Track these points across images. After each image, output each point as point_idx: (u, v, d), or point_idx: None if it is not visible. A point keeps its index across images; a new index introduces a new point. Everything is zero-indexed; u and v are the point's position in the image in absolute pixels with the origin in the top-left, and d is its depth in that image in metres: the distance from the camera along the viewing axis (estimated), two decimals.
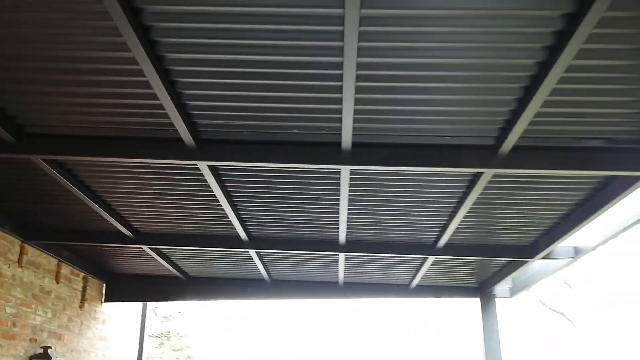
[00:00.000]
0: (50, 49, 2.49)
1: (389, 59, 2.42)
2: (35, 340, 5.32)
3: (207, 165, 3.31)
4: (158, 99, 2.70)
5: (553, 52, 2.26)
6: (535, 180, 3.46)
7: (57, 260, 5.73)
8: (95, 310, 6.57)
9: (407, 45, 2.34)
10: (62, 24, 2.32)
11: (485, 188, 3.53)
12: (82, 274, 6.29)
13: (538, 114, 2.68)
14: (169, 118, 2.84)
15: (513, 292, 6.48)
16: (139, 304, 7.77)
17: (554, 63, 2.25)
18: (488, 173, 3.20)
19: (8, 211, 4.77)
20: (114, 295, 6.89)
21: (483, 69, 2.46)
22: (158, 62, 2.46)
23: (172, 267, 6.15)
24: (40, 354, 5.27)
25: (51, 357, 5.28)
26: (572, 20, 2.08)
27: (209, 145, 3.18)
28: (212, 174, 3.47)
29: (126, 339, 7.40)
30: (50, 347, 5.36)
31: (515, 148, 2.98)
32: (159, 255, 5.68)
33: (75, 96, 2.84)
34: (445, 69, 2.48)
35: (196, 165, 3.32)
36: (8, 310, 4.91)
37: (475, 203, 3.79)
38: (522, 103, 2.60)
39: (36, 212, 4.75)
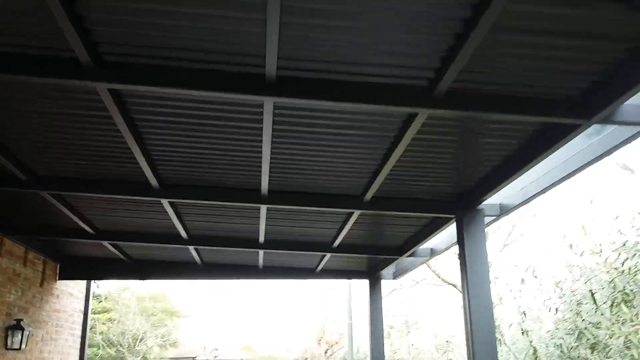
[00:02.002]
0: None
1: None
2: (9, 314, 6.62)
3: (108, 89, 2.96)
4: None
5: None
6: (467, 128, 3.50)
7: (25, 248, 6.99)
8: (51, 287, 7.87)
9: None
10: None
11: (418, 133, 3.41)
12: (42, 258, 7.55)
13: (472, 57, 2.61)
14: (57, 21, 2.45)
15: (395, 275, 8.41)
16: (84, 282, 9.09)
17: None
18: (422, 114, 3.10)
19: None
20: (65, 274, 8.19)
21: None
22: None
23: (82, 222, 5.83)
24: (14, 325, 6.58)
25: (24, 328, 6.60)
26: None
27: (112, 68, 2.85)
28: (115, 103, 3.12)
29: (75, 309, 8.74)
30: (22, 320, 6.67)
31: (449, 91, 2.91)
32: (64, 205, 5.29)
33: None
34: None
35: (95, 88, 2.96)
36: None
37: (403, 153, 3.76)
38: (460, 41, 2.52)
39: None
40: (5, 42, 2.78)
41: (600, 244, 6.67)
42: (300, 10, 2.41)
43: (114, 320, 29.17)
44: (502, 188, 4.25)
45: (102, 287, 22.77)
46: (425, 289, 19.39)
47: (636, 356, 5.66)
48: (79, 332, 8.86)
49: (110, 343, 28.91)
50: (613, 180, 12.65)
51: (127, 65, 2.88)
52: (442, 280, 16.08)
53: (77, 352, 8.73)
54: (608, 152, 3.43)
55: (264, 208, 5.12)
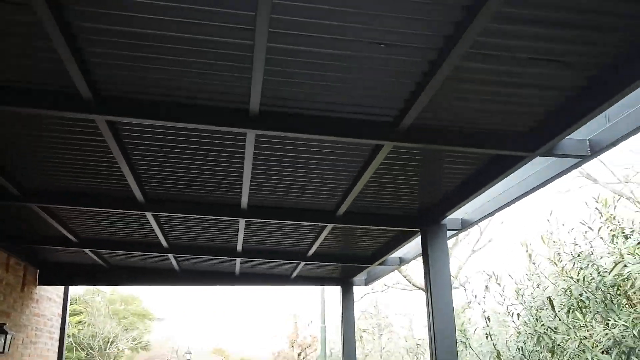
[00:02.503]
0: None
1: (302, 19, 2.46)
2: None
3: (105, 120, 3.27)
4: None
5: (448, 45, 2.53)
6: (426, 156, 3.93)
7: (7, 254, 7.21)
8: (31, 292, 8.07)
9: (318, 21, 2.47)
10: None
11: (385, 159, 3.80)
12: (22, 264, 7.76)
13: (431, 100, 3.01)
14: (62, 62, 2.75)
15: (367, 281, 8.83)
16: (62, 287, 9.29)
17: (448, 55, 2.54)
18: (388, 145, 3.47)
19: None
20: (45, 279, 8.40)
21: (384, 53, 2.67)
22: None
23: (67, 231, 6.11)
24: None
25: (7, 332, 6.83)
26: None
27: (108, 102, 3.17)
28: (110, 131, 3.46)
29: (53, 313, 8.94)
30: (4, 324, 6.90)
31: (412, 126, 3.29)
32: (51, 216, 5.57)
33: None
34: (350, 47, 2.64)
35: (94, 121, 3.34)
36: None
37: (373, 175, 4.13)
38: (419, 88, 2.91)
39: None
40: (12, 79, 3.09)
41: (558, 254, 7.18)
42: (282, 61, 2.78)
43: (85, 323, 29.15)
44: (462, 206, 4.69)
45: (73, 289, 22.80)
46: (396, 293, 19.94)
47: (590, 358, 6.15)
48: (57, 336, 9.07)
49: (81, 346, 28.87)
50: (574, 190, 13.31)
51: (122, 99, 3.21)
52: (413, 285, 16.60)
53: (55, 356, 8.94)
54: (552, 179, 3.90)
55: (242, 221, 5.48)
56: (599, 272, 6.40)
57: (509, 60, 2.73)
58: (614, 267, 5.76)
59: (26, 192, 4.88)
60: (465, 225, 5.37)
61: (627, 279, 5.77)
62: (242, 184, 4.46)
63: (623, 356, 5.91)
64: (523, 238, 8.12)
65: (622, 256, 5.62)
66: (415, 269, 16.49)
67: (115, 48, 2.75)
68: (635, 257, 5.45)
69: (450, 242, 11.17)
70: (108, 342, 30.15)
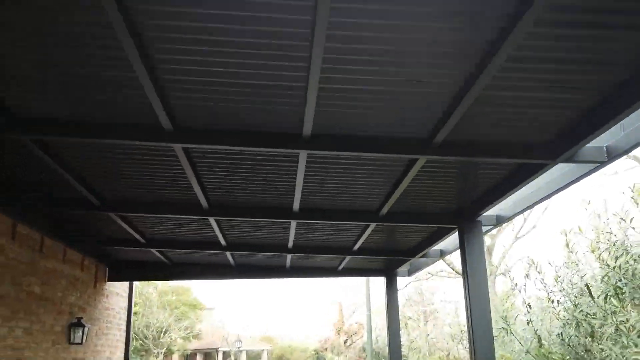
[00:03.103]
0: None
1: (351, 56, 2.89)
2: (72, 313, 7.67)
3: (182, 148, 3.93)
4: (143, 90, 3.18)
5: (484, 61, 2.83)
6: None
7: (82, 255, 8.03)
8: (102, 288, 8.92)
9: (371, 56, 2.90)
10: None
11: (422, 167, 4.32)
12: (95, 262, 8.59)
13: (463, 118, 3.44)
14: (148, 98, 3.27)
15: (410, 272, 9.32)
16: (127, 282, 10.15)
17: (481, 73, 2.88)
18: (422, 159, 4.03)
19: (66, 227, 6.99)
20: (114, 276, 9.23)
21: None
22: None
23: (137, 233, 6.86)
24: (75, 322, 7.63)
25: (84, 325, 7.66)
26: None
27: (185, 132, 3.76)
28: (185, 154, 4.12)
29: (121, 307, 9.80)
30: (82, 317, 7.72)
31: (444, 142, 3.75)
32: (126, 223, 6.35)
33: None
34: (392, 84, 3.13)
35: (172, 149, 3.99)
36: (58, 294, 7.24)
37: (412, 180, 4.63)
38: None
39: (74, 227, 7.01)
40: (102, 116, 3.72)
41: (596, 242, 7.49)
42: (330, 96, 3.31)
43: (139, 314, 30.52)
44: (496, 205, 5.14)
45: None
46: (440, 281, 20.32)
47: (626, 342, 6.49)
48: (124, 327, 9.93)
49: (136, 335, 30.32)
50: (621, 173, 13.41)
51: (197, 130, 3.81)
52: (456, 272, 16.96)
53: (123, 345, 9.81)
54: (575, 181, 4.33)
55: (294, 222, 6.07)
56: (635, 260, 6.70)
57: (531, 85, 3.19)
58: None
59: (106, 202, 5.58)
60: (500, 220, 5.81)
61: None
62: (295, 190, 5.03)
63: None
64: (564, 226, 8.41)
65: None
66: (458, 258, 16.83)
67: (192, 90, 3.33)
68: None
69: (495, 230, 11.46)
70: (161, 331, 31.50)
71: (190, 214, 5.70)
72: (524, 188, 4.92)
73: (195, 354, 44.91)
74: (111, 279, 9.20)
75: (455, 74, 3.07)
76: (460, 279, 18.48)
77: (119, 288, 9.70)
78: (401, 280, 9.28)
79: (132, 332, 10.02)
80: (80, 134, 3.76)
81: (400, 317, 9.15)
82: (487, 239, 16.60)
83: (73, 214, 6.25)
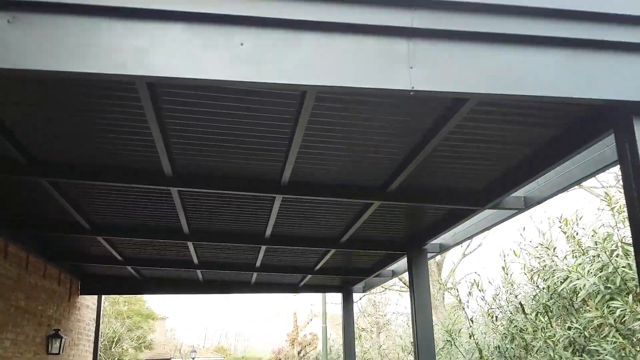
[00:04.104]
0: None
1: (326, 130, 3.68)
2: (49, 325, 8.24)
3: (178, 190, 4.77)
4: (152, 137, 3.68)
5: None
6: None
7: (58, 270, 8.61)
8: (75, 301, 9.49)
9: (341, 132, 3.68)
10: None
11: (378, 208, 5.24)
12: (69, 277, 9.17)
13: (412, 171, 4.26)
14: (156, 150, 3.88)
15: (365, 289, 10.25)
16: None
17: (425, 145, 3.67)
18: (376, 203, 5.01)
19: (42, 239, 7.58)
20: (85, 290, 9.81)
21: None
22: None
23: (117, 253, 7.53)
24: (53, 333, 8.21)
25: (62, 336, 8.24)
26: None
27: (183, 177, 4.57)
28: (179, 197, 5.01)
29: (90, 319, 10.36)
30: (59, 329, 8.30)
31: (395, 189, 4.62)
32: (109, 244, 7.06)
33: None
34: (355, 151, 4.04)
35: (169, 190, 4.80)
36: (39, 307, 7.81)
37: (369, 217, 5.58)
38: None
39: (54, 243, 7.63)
40: (114, 161, 4.48)
41: (529, 265, 8.57)
42: (307, 156, 4.18)
43: None
44: (439, 236, 6.11)
45: None
46: (393, 295, 21.38)
47: (552, 355, 7.54)
48: (92, 338, 10.49)
49: None
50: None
51: (193, 175, 4.61)
52: (407, 286, 18.06)
53: (91, 355, 10.37)
54: (499, 223, 5.35)
55: (264, 247, 6.90)
56: (560, 282, 7.80)
57: (467, 154, 4.13)
58: (564, 281, 7.17)
59: (95, 226, 6.28)
60: (443, 249, 6.80)
61: (575, 291, 7.18)
62: (268, 222, 5.87)
63: (577, 352, 7.28)
64: (504, 247, 9.48)
65: (569, 272, 7.02)
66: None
67: (192, 144, 4.12)
68: (578, 274, 6.86)
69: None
70: (113, 341, 31.42)
71: (173, 239, 6.45)
72: (461, 225, 5.93)
73: None
74: (83, 293, 9.77)
75: (404, 146, 3.99)
76: (407, 293, 19.60)
77: (88, 301, 10.26)
78: (356, 294, 10.20)
79: (99, 343, 10.56)
80: (93, 177, 4.49)
81: (358, 328, 10.07)
82: (437, 256, 17.76)
83: (58, 234, 6.89)
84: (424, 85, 2.74)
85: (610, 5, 2.90)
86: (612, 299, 6.17)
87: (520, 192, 4.96)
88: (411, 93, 2.73)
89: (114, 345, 32.21)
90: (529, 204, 4.92)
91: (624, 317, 5.80)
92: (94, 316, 10.64)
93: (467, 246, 18.00)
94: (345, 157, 4.23)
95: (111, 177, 4.52)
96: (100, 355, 29.97)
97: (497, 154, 4.14)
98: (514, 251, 8.83)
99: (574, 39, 2.85)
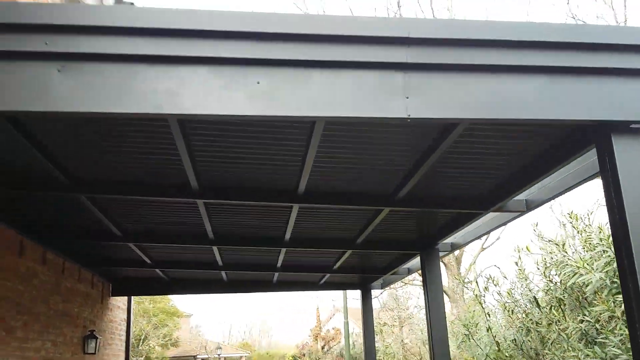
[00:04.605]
0: None
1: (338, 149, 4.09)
2: (85, 326, 8.80)
3: (204, 202, 5.27)
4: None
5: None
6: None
7: (92, 273, 9.17)
8: (107, 303, 10.06)
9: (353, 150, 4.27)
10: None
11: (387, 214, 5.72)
12: (101, 280, 9.73)
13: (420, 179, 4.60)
14: (183, 166, 4.25)
15: (383, 286, 10.65)
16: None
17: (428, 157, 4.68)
18: (386, 210, 5.48)
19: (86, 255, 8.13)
20: (116, 291, 10.38)
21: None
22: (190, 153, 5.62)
23: (146, 256, 8.07)
24: (89, 334, 8.77)
25: (97, 337, 8.81)
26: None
27: (208, 191, 5.04)
28: (205, 207, 5.52)
29: (121, 319, 10.94)
30: (94, 330, 8.87)
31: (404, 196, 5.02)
32: (139, 249, 7.61)
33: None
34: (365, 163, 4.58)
35: (195, 202, 5.28)
36: (75, 310, 8.38)
37: (382, 220, 5.96)
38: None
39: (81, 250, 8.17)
40: (148, 178, 4.94)
41: (543, 260, 8.88)
42: (321, 170, 4.59)
43: None
44: (449, 237, 6.49)
45: None
46: (414, 288, 21.73)
47: (566, 347, 7.86)
48: (124, 337, 11.07)
49: None
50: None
51: (217, 189, 5.07)
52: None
53: (123, 354, 10.96)
54: (504, 224, 5.71)
55: (284, 249, 7.35)
56: (570, 276, 8.10)
57: (468, 164, 4.51)
58: (573, 275, 7.48)
59: (127, 234, 6.78)
60: (454, 248, 7.18)
61: (585, 284, 7.50)
62: (287, 228, 6.32)
63: (589, 344, 7.59)
64: (519, 242, 9.78)
65: (577, 267, 7.34)
66: None
67: (216, 163, 4.58)
68: (586, 268, 7.17)
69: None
70: (140, 339, 32.25)
71: (199, 244, 6.94)
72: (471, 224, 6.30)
73: None
74: (114, 294, 10.34)
75: (408, 160, 4.40)
76: None
77: (119, 302, 10.84)
78: (376, 291, 10.61)
79: (131, 341, 11.14)
80: (128, 193, 4.97)
81: (375, 323, 10.47)
82: (456, 251, 18.07)
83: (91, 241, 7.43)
84: (418, 113, 3.13)
85: (586, 35, 3.27)
86: (618, 292, 6.48)
87: (523, 196, 5.31)
88: (408, 120, 3.12)
89: (141, 344, 33.05)
90: (530, 206, 5.27)
91: None
92: (125, 316, 11.21)
93: (485, 240, 18.27)
94: (355, 170, 4.65)
95: (144, 192, 5.00)
96: None
97: (496, 164, 4.51)
98: (526, 246, 9.16)
99: (554, 66, 3.21)
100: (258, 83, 3.04)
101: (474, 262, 18.64)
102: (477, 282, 14.58)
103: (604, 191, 3.41)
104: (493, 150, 4.24)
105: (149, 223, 6.45)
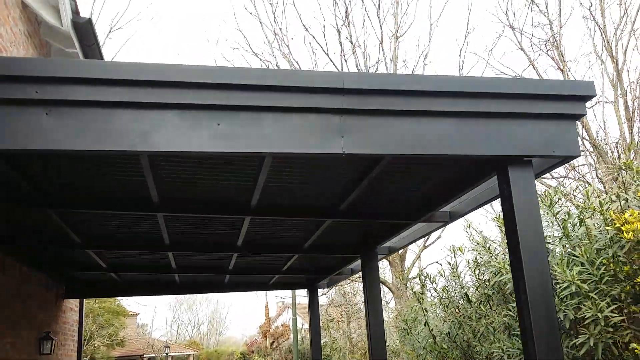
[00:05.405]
0: None
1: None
2: (40, 328, 9.15)
3: (164, 216, 5.89)
4: None
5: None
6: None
7: (46, 276, 9.51)
8: (61, 305, 10.40)
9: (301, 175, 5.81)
10: None
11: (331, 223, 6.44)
12: (56, 283, 10.07)
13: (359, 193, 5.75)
14: (148, 185, 5.89)
15: (329, 285, 11.41)
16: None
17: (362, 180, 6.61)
18: (329, 221, 6.36)
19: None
20: (69, 294, 10.72)
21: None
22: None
23: (102, 261, 8.48)
24: (44, 336, 9.13)
25: (53, 338, 9.18)
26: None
27: (168, 203, 5.61)
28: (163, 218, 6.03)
29: (74, 320, 11.28)
30: (49, 332, 9.23)
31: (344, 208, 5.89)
32: (96, 255, 8.00)
33: None
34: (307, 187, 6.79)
35: (155, 215, 5.82)
36: (32, 312, 8.73)
37: (325, 229, 6.70)
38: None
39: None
40: (113, 192, 5.47)
41: (475, 260, 9.80)
42: (270, 187, 5.25)
43: None
44: (386, 242, 7.28)
45: None
46: (360, 284, 22.68)
47: (492, 339, 8.78)
48: (76, 338, 11.42)
49: None
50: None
51: (175, 202, 5.64)
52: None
53: (75, 354, 11.31)
54: (432, 232, 6.51)
55: (235, 254, 7.96)
56: (495, 275, 9.03)
57: (397, 184, 5.26)
58: (497, 274, 8.41)
59: (87, 241, 7.25)
60: (391, 251, 7.99)
61: (505, 283, 8.45)
62: (239, 235, 6.94)
63: (512, 335, 8.53)
64: (454, 242, 10.66)
65: (499, 267, 8.28)
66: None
67: (175, 182, 5.15)
68: (506, 269, 8.11)
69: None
70: (85, 339, 31.97)
71: (155, 250, 7.47)
72: (406, 231, 7.12)
73: None
74: (67, 297, 10.68)
75: (346, 181, 5.14)
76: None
77: (71, 303, 11.18)
78: (322, 290, 11.38)
79: (83, 341, 11.49)
80: (94, 207, 5.49)
81: (324, 319, 11.22)
82: (401, 250, 19.07)
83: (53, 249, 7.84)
84: (352, 149, 3.84)
85: (488, 86, 4.06)
86: None
87: (447, 208, 6.13)
88: (343, 155, 3.83)
89: (85, 344, 32.76)
90: (453, 217, 6.11)
91: None
92: (77, 318, 11.55)
93: (427, 239, 19.33)
94: (299, 188, 5.34)
95: (109, 206, 5.55)
96: None
97: (421, 184, 5.31)
98: (459, 247, 10.08)
99: (462, 111, 3.99)
100: (218, 125, 3.68)
101: (417, 259, 19.69)
102: (420, 278, 15.59)
103: (503, 212, 4.22)
104: (418, 174, 5.03)
105: (108, 231, 6.94)
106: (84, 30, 7.67)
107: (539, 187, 18.22)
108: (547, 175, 17.99)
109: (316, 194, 5.58)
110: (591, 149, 15.58)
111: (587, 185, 15.42)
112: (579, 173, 15.79)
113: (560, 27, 15.85)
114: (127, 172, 4.83)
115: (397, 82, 3.95)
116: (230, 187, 5.25)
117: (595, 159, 15.32)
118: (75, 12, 7.54)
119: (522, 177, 4.09)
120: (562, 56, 15.70)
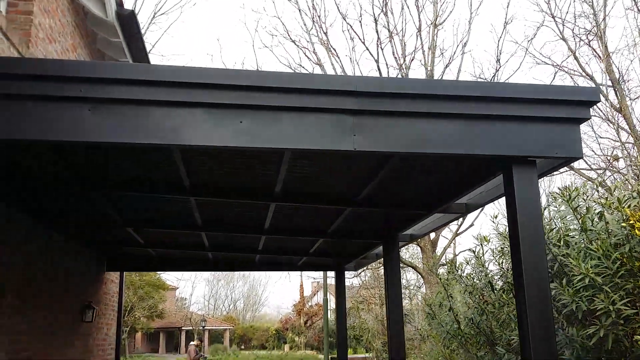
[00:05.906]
0: None
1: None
2: (83, 298, 9.87)
3: (195, 199, 6.43)
4: None
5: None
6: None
7: (90, 252, 10.20)
8: (102, 277, 11.13)
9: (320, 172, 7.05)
10: None
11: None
12: (99, 256, 10.78)
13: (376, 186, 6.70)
14: (180, 173, 7.30)
15: (356, 267, 11.81)
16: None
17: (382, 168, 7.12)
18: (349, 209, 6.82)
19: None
20: (111, 267, 11.44)
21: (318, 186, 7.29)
22: None
23: (141, 238, 9.05)
24: (87, 305, 9.85)
25: (94, 307, 9.89)
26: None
27: (197, 188, 6.22)
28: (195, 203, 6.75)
29: (114, 292, 12.03)
30: (92, 301, 9.95)
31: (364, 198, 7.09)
32: (135, 233, 8.58)
33: None
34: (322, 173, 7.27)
35: (189, 199, 6.79)
36: (76, 283, 9.43)
37: (347, 215, 7.06)
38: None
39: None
40: (145, 178, 5.98)
41: (499, 249, 10.03)
42: (296, 173, 5.64)
43: None
44: (407, 230, 7.60)
45: None
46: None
47: (513, 326, 9.03)
48: (116, 308, 12.18)
49: None
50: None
51: (208, 186, 6.11)
52: (403, 262, 19.64)
53: (115, 323, 12.08)
54: (450, 222, 6.80)
55: (264, 237, 8.43)
56: None
57: (413, 177, 5.58)
58: None
59: (126, 219, 7.82)
60: (413, 238, 8.32)
61: None
62: (266, 217, 7.39)
63: None
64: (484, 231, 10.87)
65: None
66: (404, 250, 19.42)
67: (205, 171, 5.60)
68: None
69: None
70: (126, 310, 33.38)
71: (187, 229, 8.01)
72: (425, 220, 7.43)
73: (159, 333, 47.08)
74: (109, 270, 11.40)
75: (364, 173, 5.48)
76: (408, 269, 21.24)
77: (112, 276, 11.91)
78: (351, 272, 11.79)
79: (123, 312, 12.25)
80: (136, 190, 6.03)
81: (354, 301, 11.63)
82: (432, 234, 19.30)
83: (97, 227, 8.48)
84: (363, 147, 4.18)
85: (494, 90, 4.33)
86: (551, 281, 7.63)
87: (464, 200, 6.41)
88: (354, 152, 4.18)
89: (126, 314, 34.19)
90: (469, 209, 6.39)
91: (556, 296, 7.26)
92: (117, 289, 12.29)
93: (460, 225, 19.49)
94: (319, 179, 5.72)
95: (149, 189, 6.07)
96: None
97: (435, 178, 5.62)
98: (484, 237, 10.31)
99: (469, 114, 4.27)
100: (241, 122, 4.07)
101: (448, 246, 19.89)
102: (450, 264, 15.84)
103: (507, 209, 4.50)
104: (432, 169, 5.34)
105: (147, 213, 7.49)
106: (127, 21, 8.17)
107: (577, 179, 18.13)
108: (586, 167, 17.86)
109: (335, 184, 5.94)
110: (632, 141, 15.41)
111: (625, 180, 15.28)
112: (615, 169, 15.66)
113: (604, 17, 15.61)
114: (161, 162, 5.30)
115: (408, 85, 4.26)
116: (256, 175, 5.67)
117: (638, 154, 15.14)
118: (119, 4, 8.03)
119: (526, 176, 4.35)
120: (605, 47, 15.48)
